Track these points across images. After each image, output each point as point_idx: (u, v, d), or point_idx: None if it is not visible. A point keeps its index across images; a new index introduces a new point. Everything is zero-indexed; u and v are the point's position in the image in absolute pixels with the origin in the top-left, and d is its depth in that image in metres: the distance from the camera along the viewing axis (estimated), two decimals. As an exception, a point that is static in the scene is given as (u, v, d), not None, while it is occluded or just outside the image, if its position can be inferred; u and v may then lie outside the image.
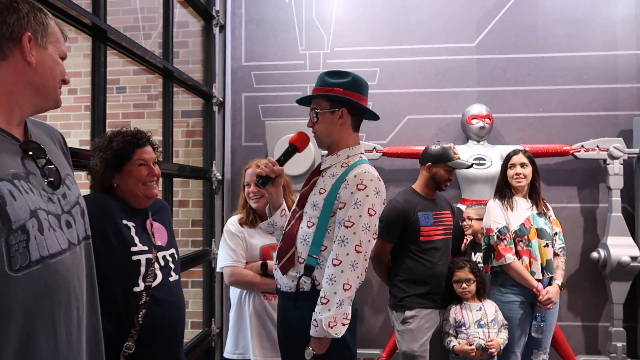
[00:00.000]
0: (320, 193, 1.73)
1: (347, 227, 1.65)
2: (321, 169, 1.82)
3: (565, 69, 3.53)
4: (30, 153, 1.05)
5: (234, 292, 2.48)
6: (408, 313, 2.48)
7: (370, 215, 1.67)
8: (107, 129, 2.12)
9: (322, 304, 1.62)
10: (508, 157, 2.71)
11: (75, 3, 1.86)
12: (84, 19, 1.93)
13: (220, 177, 3.55)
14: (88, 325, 1.15)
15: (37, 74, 1.06)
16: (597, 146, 3.29)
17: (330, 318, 1.60)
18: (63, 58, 1.13)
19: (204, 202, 3.53)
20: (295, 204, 1.88)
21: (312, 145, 1.94)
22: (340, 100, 1.74)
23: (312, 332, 1.64)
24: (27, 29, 1.03)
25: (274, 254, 2.23)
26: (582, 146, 3.31)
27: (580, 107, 3.51)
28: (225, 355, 2.51)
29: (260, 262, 2.33)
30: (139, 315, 1.59)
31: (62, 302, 1.05)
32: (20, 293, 0.96)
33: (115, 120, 3.93)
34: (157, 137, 2.13)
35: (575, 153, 3.32)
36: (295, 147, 1.79)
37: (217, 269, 2.47)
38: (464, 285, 2.51)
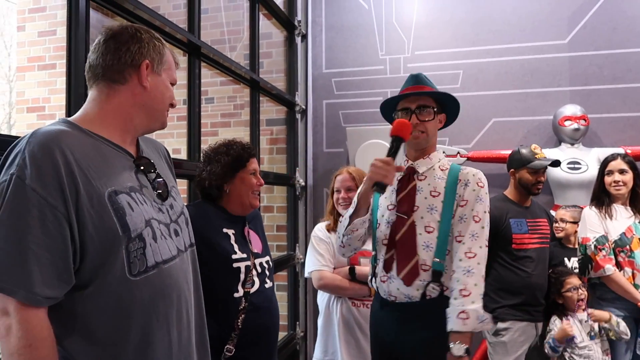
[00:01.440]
0: (433, 196, 1.68)
1: (476, 221, 1.64)
2: (417, 172, 1.74)
3: (671, 63, 3.24)
4: (142, 168, 1.16)
5: (322, 298, 2.52)
6: (501, 325, 2.38)
7: (487, 213, 1.70)
8: (184, 139, 2.25)
9: (464, 296, 1.55)
10: (605, 162, 2.53)
11: (171, 21, 2.00)
12: (180, 36, 2.06)
13: (303, 183, 3.64)
14: (196, 327, 1.24)
15: (151, 98, 1.15)
16: None
17: (480, 310, 1.55)
18: (173, 84, 1.22)
19: (287, 208, 3.63)
20: (388, 210, 1.74)
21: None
22: (450, 103, 1.77)
23: (459, 326, 1.53)
24: (146, 57, 1.13)
25: (363, 260, 2.24)
26: (693, 147, 3.02)
27: (690, 105, 3.20)
28: None
29: (348, 267, 2.34)
30: (239, 320, 1.67)
31: (174, 304, 1.14)
32: (139, 295, 1.06)
33: (204, 130, 4.13)
34: (232, 140, 2.21)
35: (684, 155, 3.03)
36: (401, 138, 1.62)
37: (306, 274, 2.53)
38: (580, 291, 2.38)
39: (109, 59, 1.11)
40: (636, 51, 3.31)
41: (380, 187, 1.57)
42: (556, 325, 2.39)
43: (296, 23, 3.63)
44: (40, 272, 0.94)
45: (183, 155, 2.47)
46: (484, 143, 3.52)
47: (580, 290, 2.37)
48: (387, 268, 1.70)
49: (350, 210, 1.72)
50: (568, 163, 3.10)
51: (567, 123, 3.15)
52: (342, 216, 1.82)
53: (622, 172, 2.47)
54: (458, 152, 3.38)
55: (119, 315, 1.04)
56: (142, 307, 1.07)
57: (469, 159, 3.36)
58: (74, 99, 1.55)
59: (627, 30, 3.32)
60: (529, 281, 2.39)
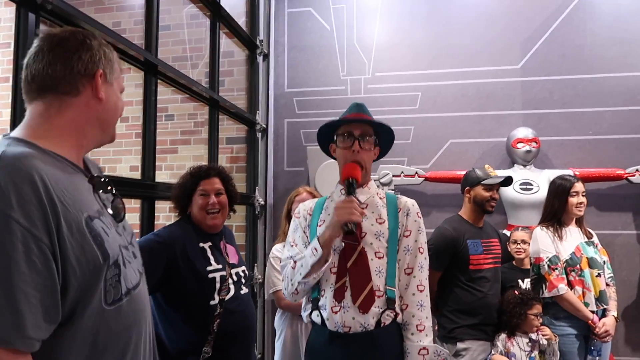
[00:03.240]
0: (379, 223, 1.67)
1: (421, 252, 1.68)
2: (359, 201, 1.68)
3: (616, 89, 3.41)
4: (97, 188, 1.05)
5: (282, 320, 2.50)
6: (460, 345, 2.40)
7: (426, 243, 1.74)
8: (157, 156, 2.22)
9: (420, 331, 1.61)
10: (568, 185, 2.55)
11: (128, 39, 1.96)
12: (136, 55, 2.02)
13: (262, 203, 3.60)
14: (153, 347, 1.17)
15: (105, 109, 1.05)
16: (653, 170, 3.14)
17: (434, 344, 1.62)
18: (122, 92, 1.13)
19: (246, 227, 3.58)
20: (328, 246, 1.61)
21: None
22: (385, 139, 1.77)
23: None
24: (99, 66, 1.03)
25: None
26: (637, 170, 3.17)
27: (634, 129, 3.37)
28: None
29: None
30: (214, 325, 1.80)
31: (143, 331, 1.08)
32: (114, 326, 0.98)
33: (163, 147, 4.07)
34: (203, 163, 2.21)
35: (629, 177, 3.18)
36: (356, 180, 1.63)
37: (266, 295, 2.50)
38: (540, 319, 2.44)
39: (59, 69, 0.99)
40: (584, 77, 3.47)
41: (351, 228, 1.52)
42: (499, 341, 2.43)
43: (258, 42, 3.64)
44: (30, 313, 0.84)
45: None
46: (441, 164, 3.59)
47: (540, 319, 2.43)
48: (338, 297, 1.62)
49: (312, 258, 1.58)
50: (520, 184, 3.19)
51: (519, 145, 3.26)
52: (294, 261, 1.67)
53: (583, 194, 2.56)
54: (416, 172, 3.43)
55: (95, 349, 0.95)
56: (117, 338, 1.00)
57: (426, 179, 3.42)
58: (19, 114, 1.48)
59: (575, 57, 3.49)
60: (485, 301, 2.43)
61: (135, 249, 1.14)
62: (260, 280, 3.42)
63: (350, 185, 1.60)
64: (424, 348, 1.59)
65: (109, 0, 4.03)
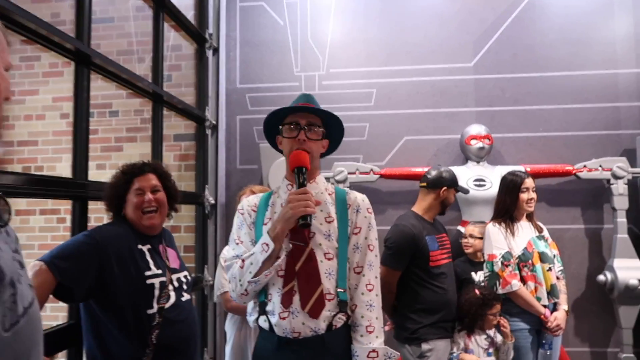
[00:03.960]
0: (328, 222, 1.57)
1: (371, 250, 1.60)
2: None
3: (565, 88, 3.48)
4: None
5: (232, 323, 2.45)
6: (425, 346, 2.32)
7: (377, 240, 1.65)
8: (89, 154, 2.06)
9: (369, 332, 1.53)
10: (519, 181, 2.55)
11: (57, 28, 1.80)
12: (66, 44, 1.86)
13: (213, 202, 3.46)
14: None
15: None
16: (600, 166, 3.21)
17: (384, 346, 1.54)
18: (7, 69, 0.92)
19: (196, 228, 3.43)
20: (280, 240, 1.53)
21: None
22: (334, 131, 1.67)
23: None
24: None
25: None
26: (585, 166, 3.23)
27: (582, 127, 3.45)
28: None
29: None
30: (152, 336, 1.66)
31: (40, 351, 0.91)
32: (11, 354, 0.82)
33: (107, 144, 3.86)
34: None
35: (577, 173, 3.24)
36: (303, 167, 1.53)
37: (215, 297, 2.39)
38: (497, 316, 2.42)
39: None
40: (535, 75, 3.52)
41: (306, 222, 1.45)
42: (460, 337, 2.42)
43: (207, 36, 3.50)
44: None
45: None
46: (397, 161, 3.56)
47: (497, 317, 2.43)
48: (286, 302, 1.51)
49: (263, 254, 1.47)
50: (474, 180, 3.19)
51: (472, 142, 3.26)
52: (242, 259, 1.53)
53: (533, 190, 2.56)
54: (371, 170, 3.38)
55: None
56: None
57: (382, 176, 3.37)
58: None
59: (526, 56, 3.54)
60: (446, 297, 2.38)
61: (21, 258, 0.92)
62: (211, 282, 3.28)
63: (301, 173, 1.50)
64: (374, 351, 1.51)
65: (48, -10, 3.79)
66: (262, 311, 1.55)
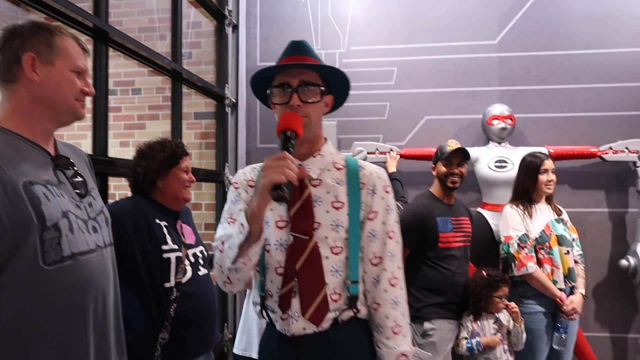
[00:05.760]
0: (336, 208, 1.31)
1: (391, 237, 1.34)
2: (309, 176, 1.34)
3: (591, 66, 3.36)
4: (60, 165, 1.18)
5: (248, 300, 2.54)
6: (427, 325, 2.36)
7: (397, 223, 1.39)
8: (110, 132, 2.11)
9: (396, 333, 1.31)
10: (538, 162, 2.52)
11: (75, 5, 1.82)
12: (84, 21, 1.89)
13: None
14: (113, 325, 1.24)
15: (43, 89, 1.13)
16: (627, 148, 3.12)
17: (411, 346, 1.34)
18: (78, 72, 1.18)
19: (216, 206, 3.49)
20: (278, 228, 1.33)
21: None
22: (337, 81, 1.38)
23: None
24: (28, 50, 1.11)
25: None
26: (610, 148, 3.15)
27: (608, 107, 3.34)
28: (234, 350, 2.72)
29: None
30: (171, 309, 1.74)
31: (91, 297, 1.14)
32: (53, 285, 1.06)
33: (130, 122, 3.93)
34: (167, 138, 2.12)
35: (602, 155, 3.15)
36: (295, 132, 1.23)
37: None
38: (505, 301, 2.41)
39: None
40: (560, 54, 3.41)
41: (282, 193, 1.11)
42: (467, 321, 2.42)
43: (226, 13, 3.48)
44: None
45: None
46: (417, 140, 3.52)
47: (505, 301, 2.41)
48: (284, 306, 1.31)
49: (239, 237, 1.19)
50: (495, 161, 3.14)
51: (494, 122, 3.20)
52: (222, 242, 1.28)
53: (553, 171, 2.52)
54: (391, 149, 3.36)
55: (32, 305, 1.03)
56: (56, 297, 1.06)
57: (402, 156, 3.35)
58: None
59: (552, 33, 3.42)
60: (452, 279, 2.39)
61: (97, 225, 1.22)
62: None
63: (288, 139, 1.21)
64: (403, 354, 1.31)
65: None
66: (263, 305, 1.37)
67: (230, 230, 1.28)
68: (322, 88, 1.31)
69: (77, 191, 1.19)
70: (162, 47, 3.30)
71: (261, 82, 1.36)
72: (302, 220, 1.31)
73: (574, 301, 2.43)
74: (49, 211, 1.05)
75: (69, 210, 1.11)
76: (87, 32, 1.96)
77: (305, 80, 1.29)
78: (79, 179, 1.21)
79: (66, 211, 1.10)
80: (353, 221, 1.32)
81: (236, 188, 1.40)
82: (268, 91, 1.34)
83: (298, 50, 1.35)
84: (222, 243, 1.26)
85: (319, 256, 1.30)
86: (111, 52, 2.21)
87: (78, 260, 1.10)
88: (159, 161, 1.86)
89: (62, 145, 1.25)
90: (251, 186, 1.39)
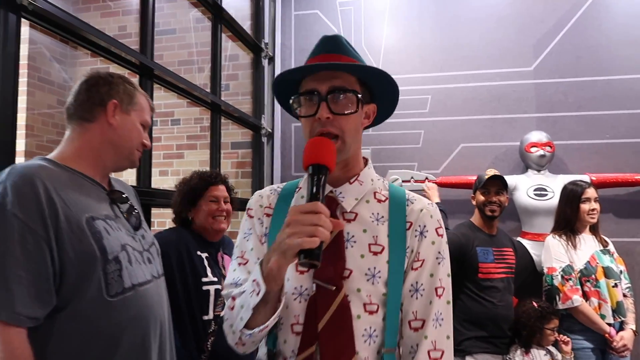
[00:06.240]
0: (374, 253, 1.00)
1: (439, 295, 1.02)
2: (342, 207, 1.04)
3: (633, 91, 3.28)
4: (115, 200, 1.25)
5: None
6: (469, 359, 2.30)
7: (450, 277, 1.08)
8: (153, 161, 2.17)
9: None
10: (579, 191, 2.46)
11: (121, 42, 1.91)
12: (131, 58, 1.98)
13: (268, 209, 3.53)
14: (169, 353, 1.29)
15: (117, 134, 1.24)
16: (673, 174, 3.00)
17: None
18: (145, 126, 1.31)
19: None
20: (298, 273, 1.01)
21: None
22: (382, 88, 1.08)
23: None
24: (114, 97, 1.23)
25: None
26: (656, 175, 3.04)
27: (652, 133, 3.24)
28: None
29: None
30: (208, 343, 1.73)
31: (151, 326, 1.19)
32: (117, 317, 1.10)
33: (169, 152, 4.05)
34: (206, 168, 2.17)
35: (648, 182, 3.05)
36: (323, 167, 0.92)
37: None
38: (555, 332, 2.34)
39: (80, 99, 1.22)
40: (600, 79, 3.34)
41: (312, 260, 0.84)
42: (517, 356, 2.33)
43: (263, 45, 3.58)
44: (21, 292, 0.98)
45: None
46: (453, 168, 3.49)
47: (555, 333, 2.34)
48: None
49: (253, 297, 0.91)
50: (535, 190, 3.08)
51: (533, 149, 3.14)
52: (232, 297, 1.00)
53: (596, 200, 2.45)
54: (427, 177, 3.34)
55: (96, 337, 1.07)
56: (120, 328, 1.10)
57: (437, 184, 3.32)
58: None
59: (591, 59, 3.37)
60: (495, 312, 2.32)
61: (151, 256, 1.29)
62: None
63: (318, 176, 0.91)
64: None
65: (116, 4, 4.02)
66: None
67: (240, 276, 1.04)
68: (360, 95, 1.02)
69: (132, 224, 1.26)
70: (201, 79, 3.41)
71: (288, 89, 1.07)
72: (329, 265, 0.97)
73: (625, 337, 2.32)
74: (110, 244, 1.11)
75: (127, 243, 1.18)
76: (133, 68, 2.04)
77: (337, 86, 0.99)
78: (134, 211, 1.29)
79: (124, 244, 1.16)
80: (394, 271, 1.01)
81: (250, 217, 1.11)
82: (291, 100, 1.05)
83: (331, 46, 1.05)
84: (233, 299, 0.99)
85: (349, 315, 0.98)
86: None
87: (138, 291, 1.16)
88: (183, 194, 1.91)
89: (113, 181, 1.32)
90: (268, 215, 1.09)
